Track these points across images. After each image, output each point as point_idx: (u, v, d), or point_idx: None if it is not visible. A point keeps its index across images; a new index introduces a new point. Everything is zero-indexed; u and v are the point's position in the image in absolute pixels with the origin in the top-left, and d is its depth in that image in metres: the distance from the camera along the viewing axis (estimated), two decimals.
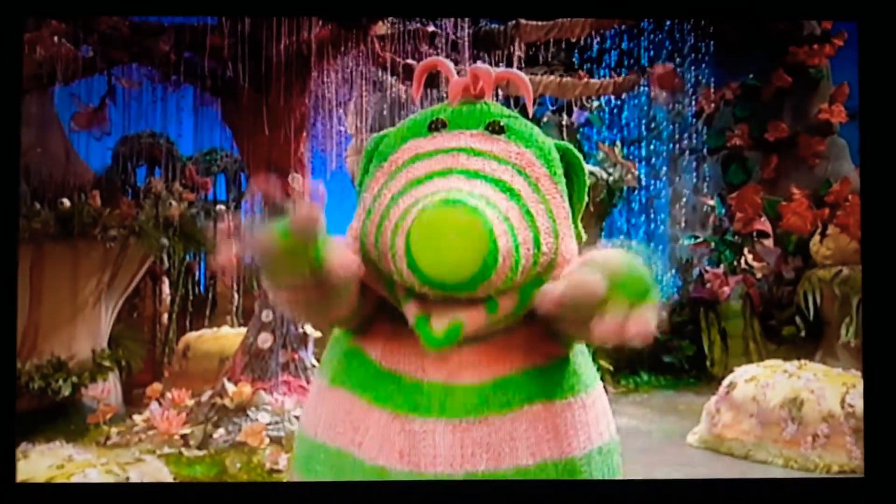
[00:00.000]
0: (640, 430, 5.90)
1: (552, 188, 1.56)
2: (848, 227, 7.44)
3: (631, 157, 10.11)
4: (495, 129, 1.57)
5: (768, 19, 8.61)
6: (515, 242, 1.39)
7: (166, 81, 5.39)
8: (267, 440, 4.44)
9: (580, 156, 1.69)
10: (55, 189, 5.95)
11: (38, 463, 3.21)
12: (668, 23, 9.54)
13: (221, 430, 4.58)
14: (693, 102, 10.02)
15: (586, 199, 1.69)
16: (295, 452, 1.72)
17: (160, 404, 4.91)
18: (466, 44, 5.43)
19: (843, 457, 4.71)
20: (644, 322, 1.32)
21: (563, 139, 1.79)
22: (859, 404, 4.69)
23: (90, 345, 5.86)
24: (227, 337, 6.47)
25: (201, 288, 7.81)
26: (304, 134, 5.39)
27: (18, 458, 2.96)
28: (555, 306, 1.37)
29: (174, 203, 6.59)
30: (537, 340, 1.54)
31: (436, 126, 1.59)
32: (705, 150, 10.09)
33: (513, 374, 1.50)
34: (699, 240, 9.56)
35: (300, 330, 5.14)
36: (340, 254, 1.43)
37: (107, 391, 5.53)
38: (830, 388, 4.97)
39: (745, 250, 8.59)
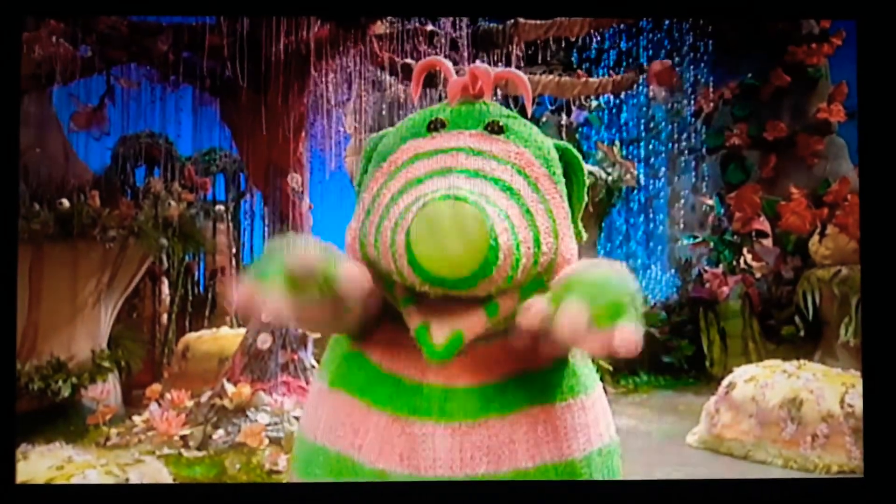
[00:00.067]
0: (639, 430, 5.90)
1: (551, 188, 1.56)
2: (847, 227, 7.44)
3: (630, 157, 10.13)
4: (494, 128, 1.57)
5: (767, 18, 8.62)
6: (516, 240, 1.39)
7: (165, 81, 5.39)
8: (266, 441, 4.44)
9: (579, 155, 1.68)
10: (54, 189, 5.95)
11: (38, 464, 3.21)
12: (666, 22, 9.55)
13: (221, 431, 4.57)
14: (692, 102, 10.03)
15: (586, 198, 1.69)
16: (294, 455, 1.72)
17: (160, 405, 4.91)
18: (465, 43, 5.43)
19: (842, 457, 4.71)
20: (628, 334, 1.31)
21: (562, 139, 1.79)
22: (858, 404, 4.69)
23: (89, 345, 5.85)
24: (226, 337, 6.47)
25: (201, 288, 7.81)
26: (303, 134, 5.39)
27: (18, 459, 2.96)
28: (581, 336, 1.35)
29: (173, 203, 6.59)
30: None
31: (435, 126, 1.59)
32: (704, 150, 10.10)
33: (512, 377, 1.50)
34: (698, 239, 9.57)
35: (299, 331, 5.14)
36: (350, 272, 1.42)
37: (106, 392, 5.53)
38: (830, 388, 4.97)
39: (744, 250, 8.60)
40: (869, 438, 2.09)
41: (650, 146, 10.79)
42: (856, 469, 4.57)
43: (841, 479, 4.22)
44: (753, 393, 5.18)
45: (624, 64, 9.82)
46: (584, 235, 1.67)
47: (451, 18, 5.39)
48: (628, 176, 9.15)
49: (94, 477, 3.16)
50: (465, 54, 5.37)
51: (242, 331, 5.74)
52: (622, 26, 8.86)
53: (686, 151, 10.44)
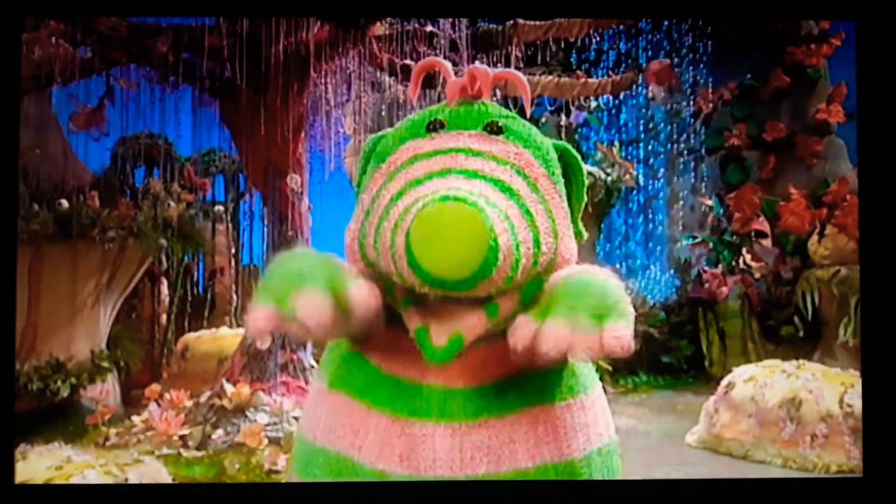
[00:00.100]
0: (638, 430, 5.90)
1: (551, 188, 1.56)
2: (846, 227, 7.45)
3: (629, 158, 10.12)
4: (493, 129, 1.57)
5: (766, 19, 8.62)
6: (516, 241, 1.38)
7: (164, 82, 5.39)
8: (265, 441, 4.44)
9: (578, 155, 1.68)
10: (53, 190, 5.95)
11: (37, 464, 3.21)
12: (665, 23, 9.55)
13: (220, 431, 4.57)
14: (691, 102, 10.03)
15: (585, 198, 1.69)
16: (293, 455, 1.72)
17: (159, 405, 4.90)
18: (465, 44, 5.43)
19: (841, 456, 4.71)
20: (617, 333, 1.32)
21: (561, 139, 1.79)
22: (858, 404, 4.69)
23: (89, 346, 5.85)
24: (225, 338, 6.47)
25: (200, 289, 7.81)
26: (303, 134, 5.39)
27: (17, 459, 2.95)
28: (563, 353, 1.36)
29: (172, 204, 6.59)
30: None
31: (434, 127, 1.58)
32: (703, 151, 10.11)
33: (512, 377, 1.49)
34: (697, 240, 9.57)
35: None
36: (360, 296, 1.41)
37: (105, 392, 5.53)
38: (829, 387, 4.98)
39: (744, 250, 8.60)
40: (868, 438, 2.09)
41: (649, 147, 10.79)
42: (855, 469, 4.57)
43: (840, 479, 4.22)
44: (753, 393, 5.18)
45: (623, 65, 9.82)
46: (585, 234, 1.67)
47: (450, 19, 5.39)
48: (627, 176, 9.15)
49: (93, 477, 3.16)
50: (465, 55, 5.37)
51: (241, 331, 5.75)
52: (621, 27, 8.88)
53: (685, 152, 10.44)
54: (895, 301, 2.08)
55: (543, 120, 9.19)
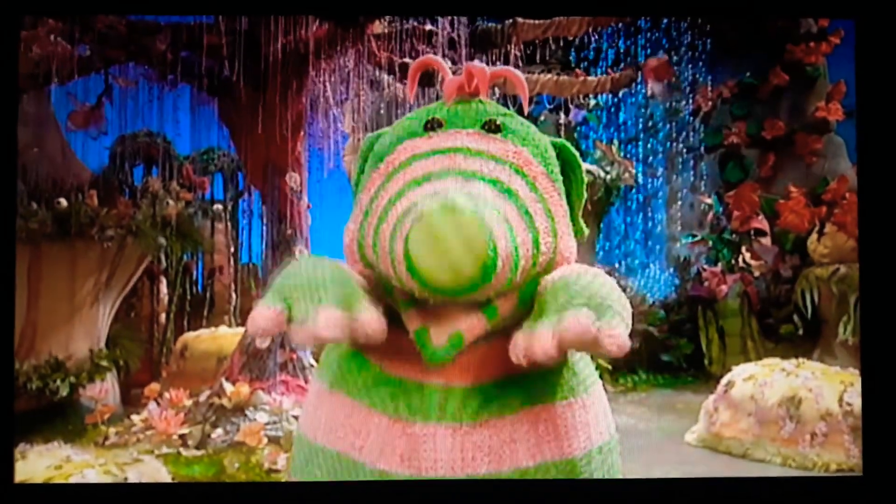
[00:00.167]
0: (638, 428, 5.90)
1: (550, 186, 1.55)
2: (845, 225, 7.44)
3: (628, 156, 10.11)
4: (491, 127, 1.56)
5: (765, 17, 8.62)
6: (515, 244, 1.38)
7: (163, 80, 5.39)
8: (265, 440, 4.44)
9: (576, 152, 1.68)
10: (52, 189, 5.94)
11: (37, 463, 3.21)
12: (665, 21, 9.54)
13: (219, 430, 4.57)
14: (690, 101, 10.03)
15: (584, 195, 1.68)
16: (294, 455, 1.71)
17: (158, 404, 4.91)
18: (464, 43, 5.42)
19: (841, 455, 4.71)
20: (613, 331, 1.30)
21: (560, 138, 1.78)
22: (857, 402, 4.69)
23: (88, 345, 5.85)
24: (224, 336, 6.46)
25: (199, 287, 7.80)
26: (302, 133, 5.39)
27: (16, 458, 2.95)
28: (555, 353, 1.35)
29: (171, 202, 6.58)
30: None
31: (432, 126, 1.57)
32: (702, 149, 10.10)
33: (512, 377, 1.49)
34: (697, 238, 9.56)
35: None
36: (371, 326, 1.40)
37: (105, 391, 5.53)
38: (828, 386, 4.97)
39: (743, 248, 8.60)
40: (867, 437, 2.09)
41: (648, 145, 10.78)
42: (854, 467, 4.57)
43: (839, 478, 4.22)
44: (752, 391, 5.18)
45: (622, 63, 9.82)
46: (586, 231, 1.67)
47: (449, 18, 5.39)
48: (626, 175, 9.15)
49: (93, 476, 3.16)
50: (464, 54, 5.37)
51: (241, 330, 5.74)
52: (620, 25, 8.86)
53: (684, 150, 10.43)
54: (895, 299, 2.08)
55: (542, 118, 9.18)
